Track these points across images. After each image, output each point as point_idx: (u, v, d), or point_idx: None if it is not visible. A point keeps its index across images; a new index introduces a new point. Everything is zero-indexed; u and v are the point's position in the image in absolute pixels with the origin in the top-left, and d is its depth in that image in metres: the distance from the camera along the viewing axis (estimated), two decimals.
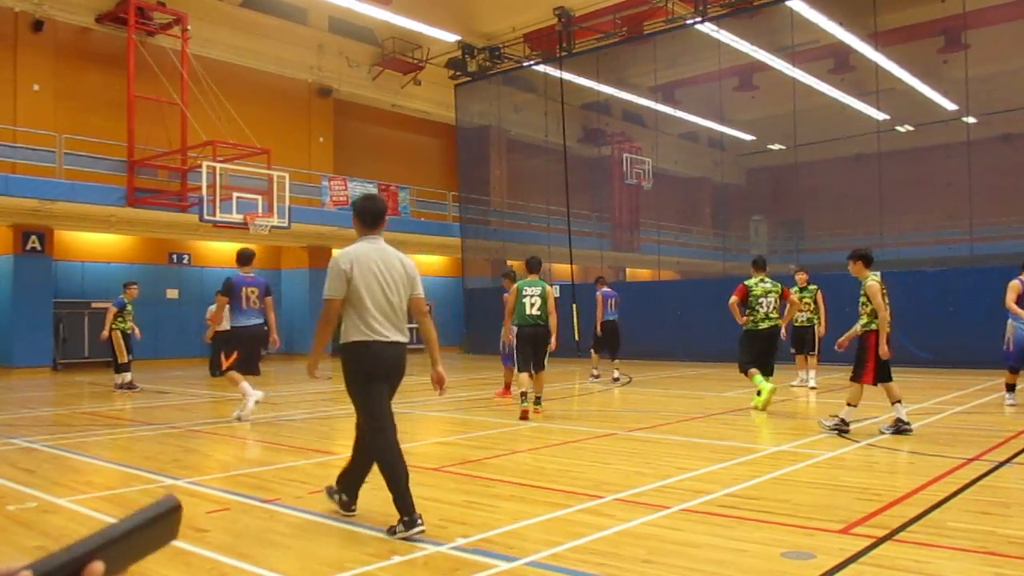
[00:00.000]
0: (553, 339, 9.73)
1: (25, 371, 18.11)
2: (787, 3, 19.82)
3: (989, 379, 13.25)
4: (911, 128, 26.37)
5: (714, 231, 33.86)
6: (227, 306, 9.57)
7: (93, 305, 19.40)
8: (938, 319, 15.86)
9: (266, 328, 9.56)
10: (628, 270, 33.32)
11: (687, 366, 17.91)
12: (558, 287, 17.81)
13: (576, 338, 17.65)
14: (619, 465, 6.53)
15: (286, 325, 23.98)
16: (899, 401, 7.75)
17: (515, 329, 10.09)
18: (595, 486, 5.64)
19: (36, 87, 18.92)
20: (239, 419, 9.39)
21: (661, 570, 3.81)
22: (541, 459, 6.98)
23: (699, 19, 20.99)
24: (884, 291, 7.88)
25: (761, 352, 9.80)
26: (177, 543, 4.39)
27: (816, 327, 12.11)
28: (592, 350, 14.59)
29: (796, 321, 11.86)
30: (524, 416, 9.39)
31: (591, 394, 12.70)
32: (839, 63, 25.10)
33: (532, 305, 9.57)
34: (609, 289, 14.59)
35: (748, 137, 30.89)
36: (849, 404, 7.85)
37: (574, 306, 18.45)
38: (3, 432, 8.81)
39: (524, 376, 9.70)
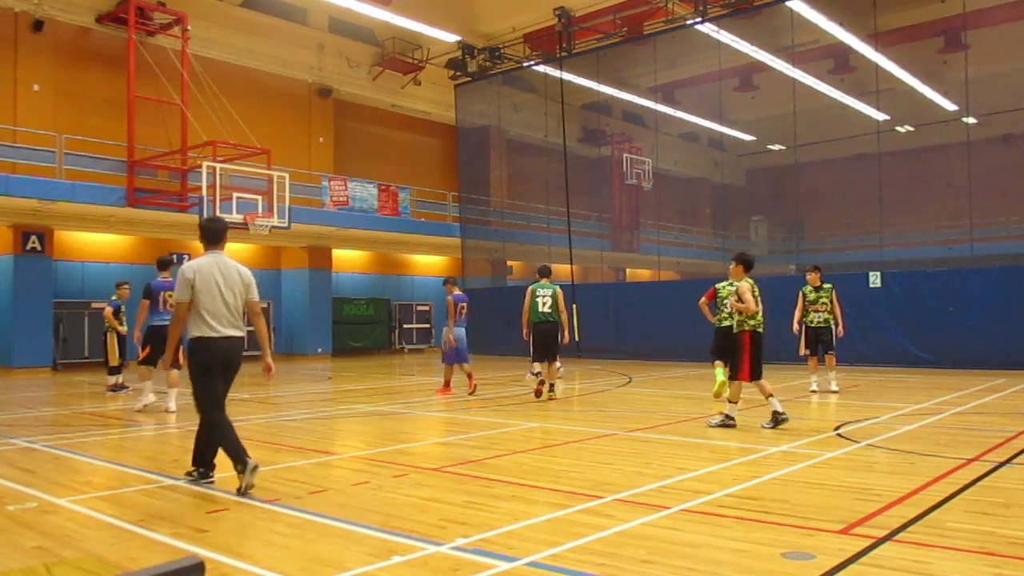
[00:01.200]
0: (565, 333, 11.76)
1: (25, 371, 18.11)
2: (787, 3, 19.81)
3: (989, 379, 13.24)
4: (911, 128, 26.40)
5: (714, 231, 33.91)
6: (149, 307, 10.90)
7: (93, 305, 19.39)
8: (938, 319, 15.85)
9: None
10: (628, 270, 33.34)
11: (687, 366, 17.91)
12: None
13: (576, 338, 17.68)
14: (619, 465, 6.53)
15: (285, 325, 24.01)
16: (771, 395, 8.33)
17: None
18: (595, 486, 5.64)
19: (36, 87, 18.92)
20: (144, 407, 10.74)
21: (661, 570, 3.82)
22: (541, 459, 6.98)
23: (699, 19, 20.99)
24: (756, 293, 8.53)
25: (721, 344, 10.86)
26: (177, 543, 4.40)
27: (833, 327, 11.73)
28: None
29: (811, 322, 11.65)
30: (538, 393, 11.31)
31: (591, 394, 12.71)
32: (839, 63, 25.10)
33: (544, 304, 11.29)
34: None
35: (748, 137, 30.91)
36: (731, 401, 8.55)
37: (574, 306, 18.55)
38: (3, 432, 8.81)
39: (538, 365, 11.66)
